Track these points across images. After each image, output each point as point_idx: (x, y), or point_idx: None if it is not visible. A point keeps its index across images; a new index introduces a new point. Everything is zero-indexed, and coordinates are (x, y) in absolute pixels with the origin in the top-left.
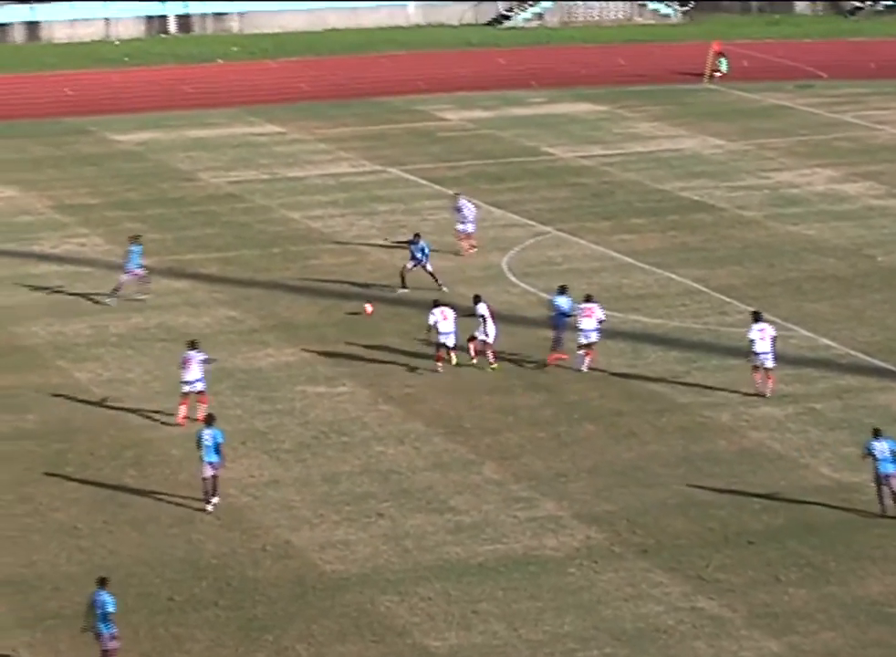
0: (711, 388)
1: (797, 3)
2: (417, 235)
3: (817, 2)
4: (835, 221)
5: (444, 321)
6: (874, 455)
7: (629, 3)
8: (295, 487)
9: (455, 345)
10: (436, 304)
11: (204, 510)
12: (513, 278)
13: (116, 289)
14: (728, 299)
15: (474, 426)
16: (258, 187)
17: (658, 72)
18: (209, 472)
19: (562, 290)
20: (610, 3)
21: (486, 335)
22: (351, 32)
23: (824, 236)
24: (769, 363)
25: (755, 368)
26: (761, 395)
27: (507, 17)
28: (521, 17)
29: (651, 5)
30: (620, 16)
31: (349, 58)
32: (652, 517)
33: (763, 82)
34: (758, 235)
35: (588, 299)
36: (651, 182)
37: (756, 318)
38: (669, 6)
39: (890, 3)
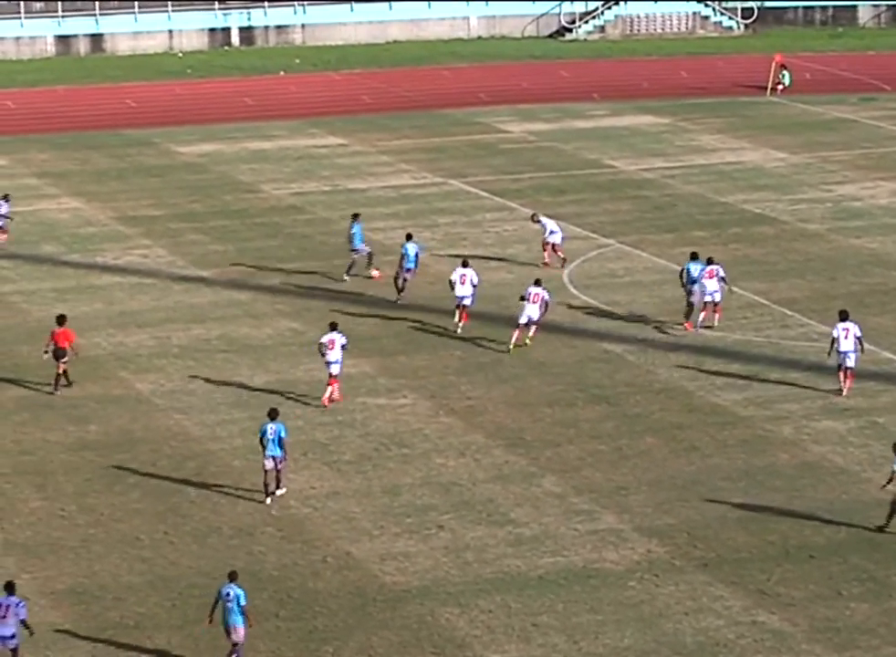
0: (772, 401)
1: (861, 15)
2: (409, 236)
3: (882, 14)
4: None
5: (462, 286)
6: None
7: (691, 15)
8: (355, 499)
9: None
10: (464, 264)
11: (264, 503)
12: (574, 291)
13: (349, 267)
14: (790, 312)
15: (534, 438)
16: (320, 199)
17: (720, 85)
18: (270, 464)
19: (694, 256)
20: (673, 15)
21: (528, 316)
22: (413, 44)
23: (887, 250)
24: (850, 362)
25: (839, 366)
26: (838, 393)
27: (569, 30)
28: (583, 30)
29: (714, 18)
30: (683, 29)
31: (410, 70)
32: (713, 531)
33: (826, 95)
34: (820, 248)
35: (710, 261)
36: (713, 194)
37: (843, 316)
38: (732, 19)
39: None
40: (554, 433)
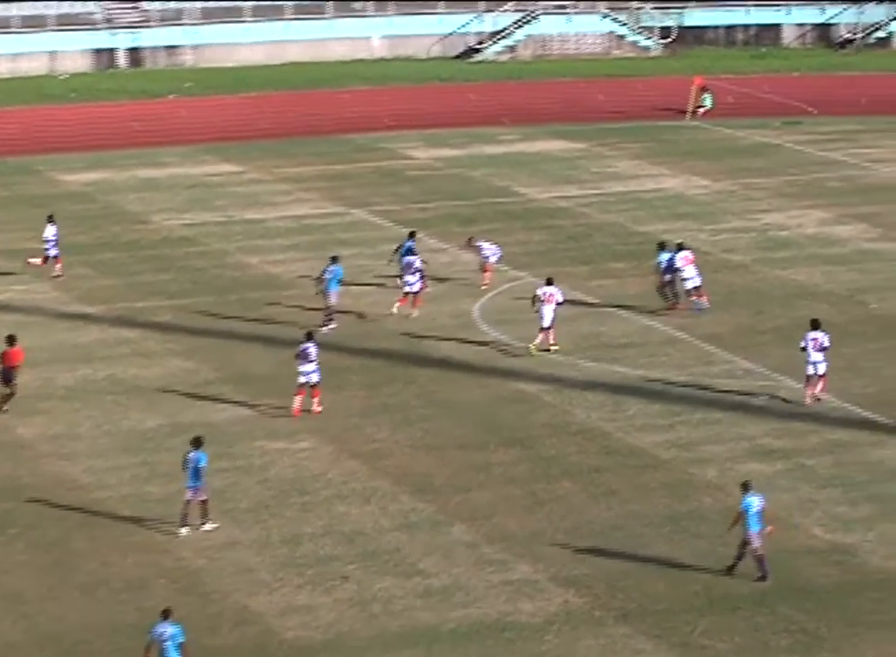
0: (696, 443)
1: (786, 35)
2: (334, 258)
3: (807, 34)
4: (826, 265)
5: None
6: (747, 512)
7: (607, 35)
8: (253, 549)
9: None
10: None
11: (178, 535)
12: (484, 326)
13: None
14: (713, 348)
15: (443, 483)
16: (214, 230)
17: (638, 108)
18: (188, 495)
19: (661, 246)
20: (587, 35)
21: (542, 319)
22: (313, 65)
23: (815, 281)
24: (822, 369)
25: (808, 377)
26: (816, 399)
27: (477, 51)
28: (492, 51)
29: (631, 38)
30: (597, 49)
31: (310, 93)
32: (634, 580)
33: (749, 119)
34: (745, 281)
35: (681, 247)
36: (632, 223)
37: (814, 325)
38: (649, 39)
39: (882, 35)
40: (464, 478)
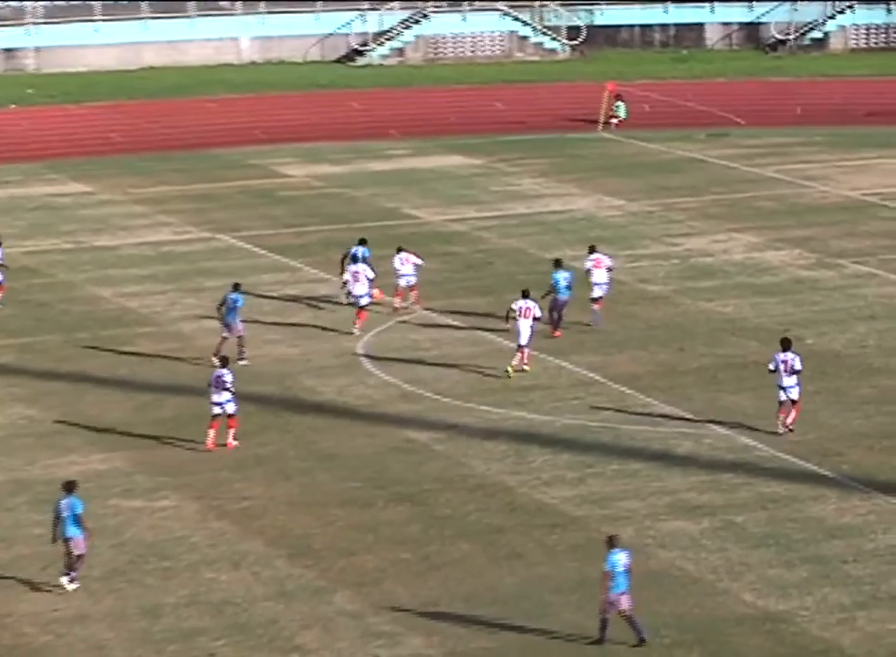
0: (610, 498)
1: (709, 35)
2: (236, 285)
3: (733, 34)
4: (756, 296)
5: (404, 265)
6: (613, 571)
7: (508, 35)
8: (106, 623)
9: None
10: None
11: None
12: (370, 367)
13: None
14: (629, 391)
15: (324, 546)
16: (60, 259)
17: (543, 118)
18: (68, 547)
19: (558, 264)
20: (485, 35)
21: (519, 336)
22: (173, 71)
23: (743, 314)
24: (794, 395)
25: (780, 403)
26: (788, 429)
27: (361, 54)
28: (378, 53)
29: (535, 39)
30: (497, 52)
31: (170, 103)
32: (541, 655)
33: (669, 130)
34: (665, 314)
35: (593, 250)
36: (536, 249)
37: (785, 346)
38: (556, 40)
39: (817, 35)
40: (348, 540)
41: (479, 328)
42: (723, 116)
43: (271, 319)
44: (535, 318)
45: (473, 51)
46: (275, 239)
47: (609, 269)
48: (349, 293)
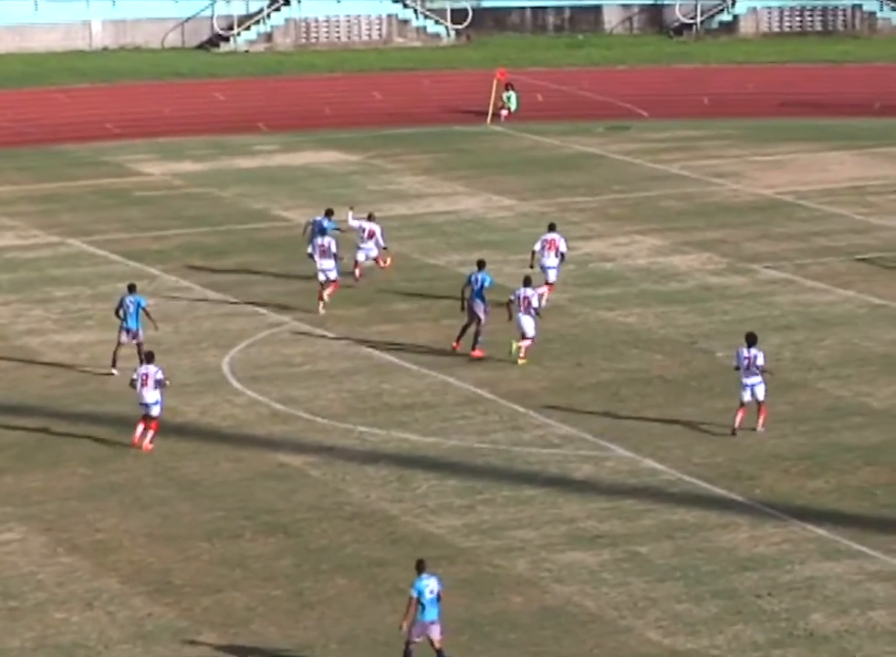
0: (502, 527)
1: (608, 19)
2: (132, 287)
3: (634, 17)
4: (662, 305)
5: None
6: (420, 599)
7: (386, 19)
8: None
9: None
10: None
11: None
12: (237, 385)
13: None
14: (523, 409)
15: (186, 583)
16: None
17: (426, 110)
18: None
19: (481, 265)
20: (362, 19)
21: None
22: (15, 58)
23: (647, 325)
24: (760, 395)
25: (742, 403)
26: (752, 429)
27: (225, 39)
28: (243, 39)
29: (416, 22)
30: (375, 37)
31: (12, 93)
32: None
33: (564, 123)
34: (561, 325)
35: (552, 228)
36: (419, 254)
37: (750, 341)
38: (440, 23)
39: (726, 18)
40: (213, 575)
41: (358, 341)
42: (623, 107)
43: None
44: (535, 309)
45: (348, 36)
46: (130, 244)
47: (562, 255)
48: (320, 269)
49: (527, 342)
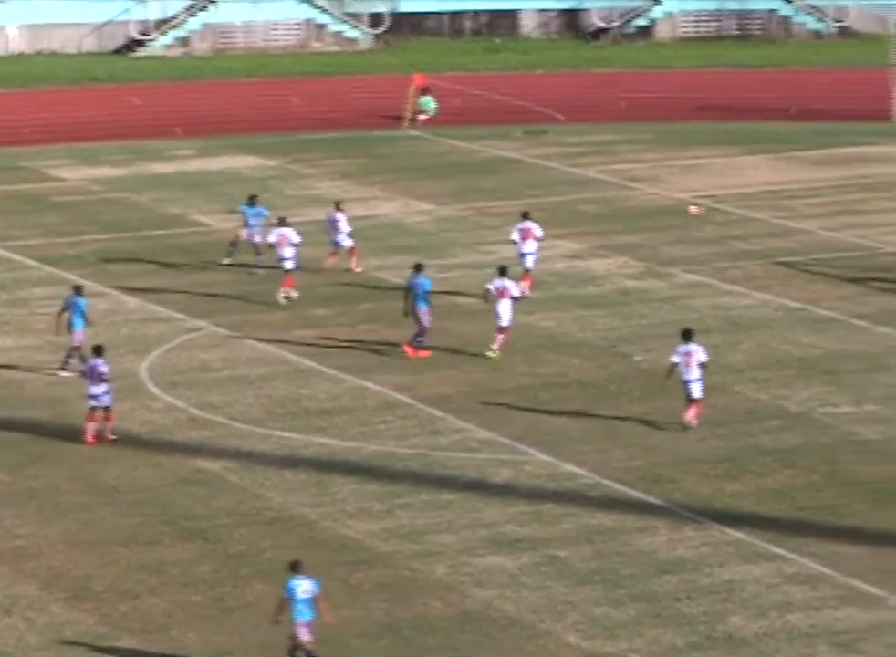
0: (421, 531)
1: (524, 24)
2: (77, 288)
3: (551, 22)
4: (579, 309)
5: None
6: (292, 597)
7: (304, 24)
8: None
9: None
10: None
11: None
12: (155, 390)
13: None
14: (441, 414)
15: (105, 589)
16: None
17: (344, 115)
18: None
19: (418, 268)
20: (279, 24)
21: (499, 318)
22: None
23: (565, 329)
24: (696, 393)
25: (688, 400)
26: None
27: (142, 44)
28: (160, 44)
29: (334, 27)
30: (292, 42)
31: None
32: None
33: (482, 127)
34: (479, 329)
35: (526, 216)
36: (340, 260)
37: (687, 337)
38: (357, 28)
39: (643, 23)
40: (131, 581)
41: (277, 346)
42: (541, 111)
43: (43, 338)
44: (513, 298)
45: (266, 41)
46: (47, 249)
47: (539, 239)
48: (280, 258)
49: (501, 338)
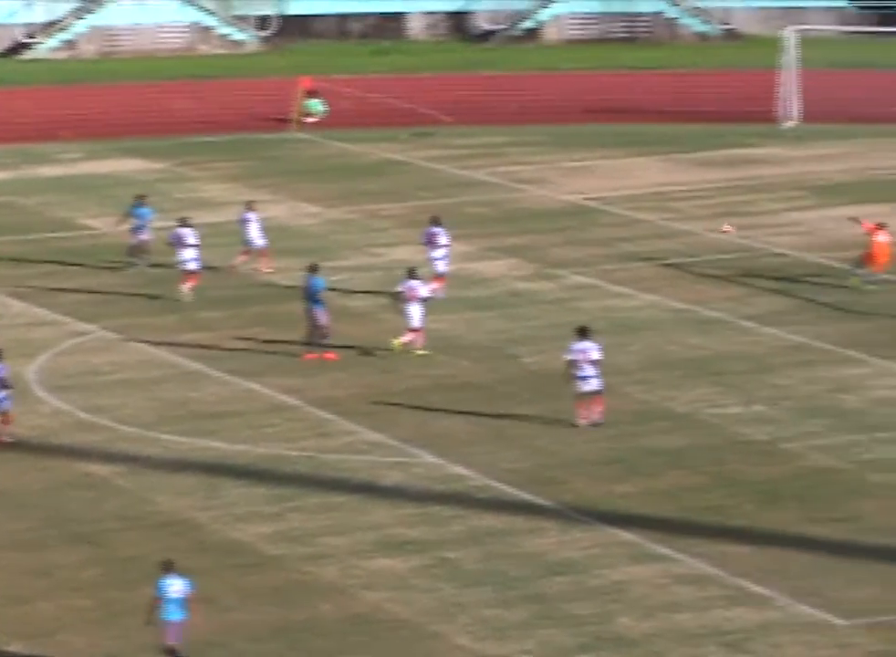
0: (312, 534)
1: (412, 26)
2: None
3: (439, 24)
4: (470, 311)
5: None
6: (163, 598)
7: (190, 26)
8: None
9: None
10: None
11: None
12: (42, 394)
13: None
14: (331, 416)
15: None
16: None
17: (231, 117)
18: None
19: (313, 269)
20: (166, 26)
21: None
22: None
23: (456, 332)
24: (594, 386)
25: (581, 396)
26: (593, 424)
27: (28, 47)
28: (46, 46)
29: (221, 30)
30: (179, 44)
31: None
32: None
33: (370, 130)
34: (369, 332)
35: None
36: (227, 262)
37: (582, 334)
38: (244, 31)
39: (530, 25)
40: (18, 586)
41: (167, 350)
42: (428, 113)
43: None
44: (422, 299)
45: (153, 44)
46: None
47: (445, 246)
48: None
49: (410, 336)
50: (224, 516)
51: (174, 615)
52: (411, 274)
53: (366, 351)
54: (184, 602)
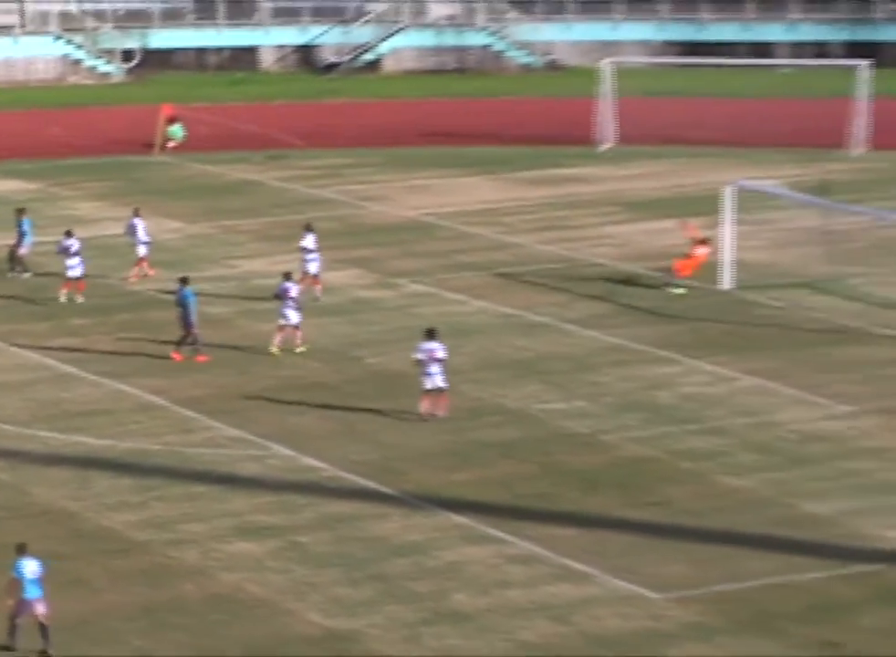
0: (175, 521)
1: (263, 58)
2: None
3: (288, 57)
4: (318, 317)
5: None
6: (22, 579)
7: (60, 59)
8: None
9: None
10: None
11: None
12: None
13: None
14: (193, 414)
15: None
16: None
17: (100, 142)
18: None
19: (184, 281)
20: (38, 59)
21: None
22: None
23: (307, 336)
24: (440, 382)
25: (427, 392)
26: (433, 416)
27: None
28: None
29: (88, 62)
30: (51, 75)
31: None
32: None
33: (227, 152)
34: (228, 336)
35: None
36: (98, 273)
37: (430, 335)
38: (110, 63)
39: (371, 58)
40: None
41: (41, 354)
42: (281, 138)
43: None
44: (292, 299)
45: (26, 75)
46: None
47: (312, 250)
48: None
49: (280, 335)
50: (95, 506)
51: (32, 593)
52: (287, 277)
53: (225, 354)
54: (39, 582)
